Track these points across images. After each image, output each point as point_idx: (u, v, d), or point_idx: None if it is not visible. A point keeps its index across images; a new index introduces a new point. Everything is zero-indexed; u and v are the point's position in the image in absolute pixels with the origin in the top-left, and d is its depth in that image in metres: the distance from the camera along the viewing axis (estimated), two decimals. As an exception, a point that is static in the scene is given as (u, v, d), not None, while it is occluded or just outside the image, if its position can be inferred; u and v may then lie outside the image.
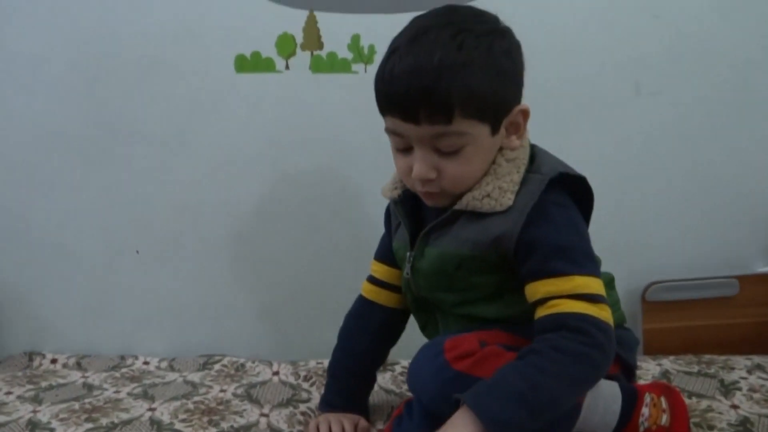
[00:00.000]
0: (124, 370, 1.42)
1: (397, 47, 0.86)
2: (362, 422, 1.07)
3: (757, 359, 1.28)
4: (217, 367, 1.41)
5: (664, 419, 0.93)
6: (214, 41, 1.45)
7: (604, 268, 1.43)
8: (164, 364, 1.45)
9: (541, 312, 0.84)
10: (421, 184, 0.89)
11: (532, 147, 0.96)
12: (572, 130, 1.45)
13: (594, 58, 1.44)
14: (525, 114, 0.91)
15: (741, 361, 1.28)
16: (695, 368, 1.25)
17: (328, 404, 1.11)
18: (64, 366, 1.45)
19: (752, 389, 1.13)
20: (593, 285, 0.83)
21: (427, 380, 0.86)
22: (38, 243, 1.53)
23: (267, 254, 1.53)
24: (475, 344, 0.85)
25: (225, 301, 1.55)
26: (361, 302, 1.14)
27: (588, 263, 0.86)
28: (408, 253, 0.98)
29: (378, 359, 1.15)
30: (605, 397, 0.90)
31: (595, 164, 1.43)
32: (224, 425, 1.06)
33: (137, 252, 1.52)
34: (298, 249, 1.52)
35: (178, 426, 1.06)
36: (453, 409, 0.79)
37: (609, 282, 1.01)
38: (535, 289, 0.85)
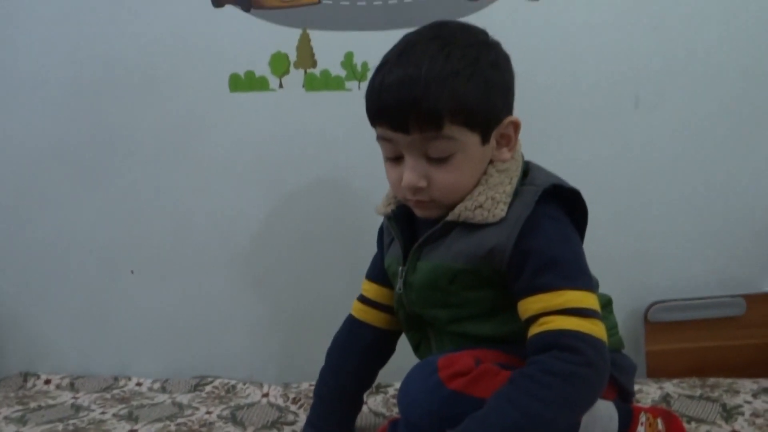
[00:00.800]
0: (115, 391, 1.41)
1: (386, 61, 0.88)
2: None
3: (764, 382, 1.22)
4: (208, 388, 1.39)
5: None
6: (209, 60, 1.46)
7: (602, 288, 1.39)
8: (157, 386, 1.43)
9: (533, 330, 0.81)
10: (412, 192, 0.88)
11: (527, 162, 0.94)
12: (571, 142, 1.41)
13: (593, 71, 1.40)
14: (516, 126, 0.91)
15: (747, 385, 1.22)
16: (698, 392, 1.20)
17: (312, 426, 1.08)
18: (57, 387, 1.45)
19: (755, 414, 1.08)
20: (586, 300, 0.81)
21: (419, 399, 0.82)
22: (35, 261, 1.54)
23: (263, 272, 1.51)
24: (470, 362, 0.82)
25: (221, 320, 1.53)
26: (351, 322, 1.12)
27: (581, 277, 0.84)
28: (400, 268, 0.96)
29: (366, 381, 1.12)
30: (602, 417, 0.87)
31: (594, 178, 1.41)
32: (203, 448, 1.05)
33: (132, 272, 1.52)
34: (294, 267, 1.50)
35: (155, 448, 1.04)
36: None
37: (606, 304, 0.98)
38: (527, 307, 0.83)
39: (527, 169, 0.93)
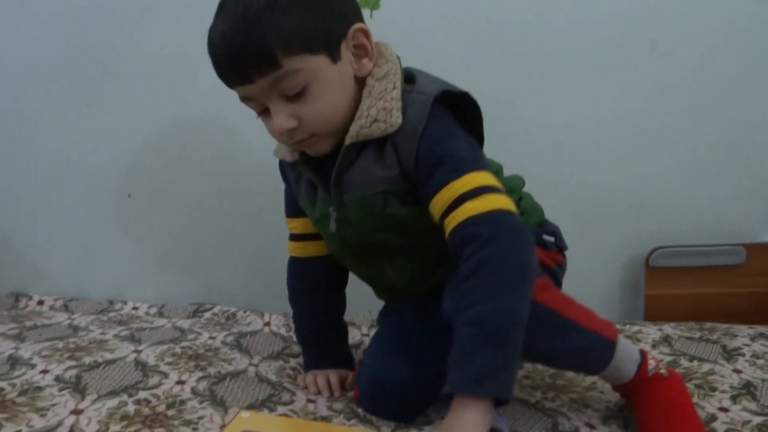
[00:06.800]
0: (112, 314, 1.39)
1: (215, 14, 0.84)
2: (351, 377, 1.04)
3: (760, 328, 1.25)
4: (207, 315, 1.38)
5: (663, 371, 0.90)
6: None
7: (607, 233, 1.40)
8: (153, 310, 1.42)
9: (445, 236, 0.81)
10: (289, 136, 0.86)
11: (408, 68, 0.92)
12: (583, 85, 1.40)
13: (610, 13, 1.38)
14: (365, 33, 0.87)
15: (744, 330, 1.24)
16: (697, 334, 1.22)
17: (310, 367, 1.07)
18: (51, 308, 1.42)
19: (755, 355, 1.10)
20: (472, 181, 0.80)
21: None
22: (27, 184, 1.50)
23: (264, 202, 1.48)
24: None
25: (220, 248, 1.51)
26: (295, 263, 1.10)
27: (465, 164, 0.82)
28: (330, 208, 0.93)
29: (338, 307, 1.11)
30: (630, 356, 0.89)
31: (604, 122, 1.40)
32: (211, 371, 1.03)
33: (129, 196, 1.48)
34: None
35: (163, 368, 1.03)
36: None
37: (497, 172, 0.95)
38: (432, 213, 0.83)
39: (411, 74, 0.90)
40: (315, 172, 0.93)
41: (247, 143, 1.45)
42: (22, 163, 1.49)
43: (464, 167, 0.81)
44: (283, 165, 1.04)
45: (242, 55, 0.79)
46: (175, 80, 1.44)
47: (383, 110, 0.84)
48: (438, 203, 0.81)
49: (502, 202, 0.79)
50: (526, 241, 0.78)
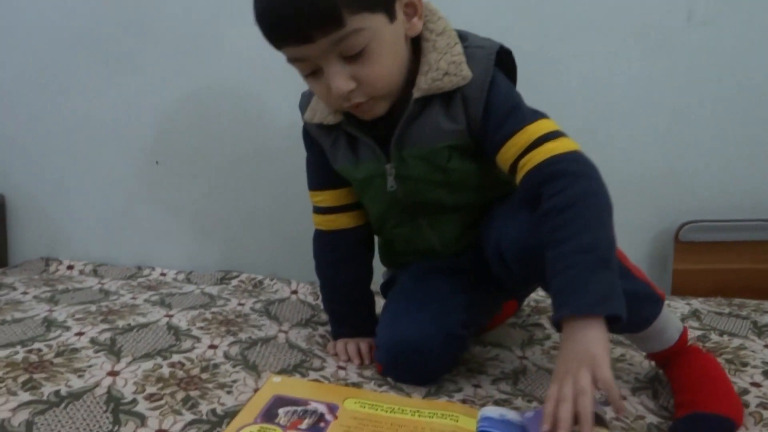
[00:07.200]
0: (140, 279, 1.41)
1: None
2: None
3: (790, 305, 1.24)
4: (234, 282, 1.40)
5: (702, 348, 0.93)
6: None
7: (636, 205, 1.38)
8: (181, 276, 1.43)
9: (519, 176, 0.84)
10: (346, 98, 0.84)
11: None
12: (618, 56, 1.38)
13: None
14: None
15: (774, 306, 1.24)
16: (726, 309, 1.22)
17: (338, 335, 1.08)
18: (81, 272, 1.44)
19: (787, 332, 1.10)
20: (543, 126, 0.84)
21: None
22: (57, 149, 1.51)
23: (290, 170, 1.47)
24: None
25: (245, 217, 1.52)
26: (322, 236, 1.08)
27: (532, 114, 0.86)
28: (387, 166, 0.92)
29: (366, 278, 1.10)
30: (674, 324, 0.91)
31: (639, 93, 1.38)
32: (242, 336, 1.05)
33: (156, 162, 1.49)
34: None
35: (195, 333, 1.04)
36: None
37: None
38: (504, 158, 0.85)
39: (460, 31, 0.90)
40: (363, 131, 0.92)
41: (275, 109, 1.45)
42: (51, 129, 1.50)
43: (534, 115, 0.85)
44: (309, 132, 1.02)
45: (305, 13, 0.76)
46: (202, 46, 1.43)
47: (453, 63, 0.85)
48: (512, 147, 0.84)
49: (577, 145, 0.83)
50: (599, 177, 0.81)
